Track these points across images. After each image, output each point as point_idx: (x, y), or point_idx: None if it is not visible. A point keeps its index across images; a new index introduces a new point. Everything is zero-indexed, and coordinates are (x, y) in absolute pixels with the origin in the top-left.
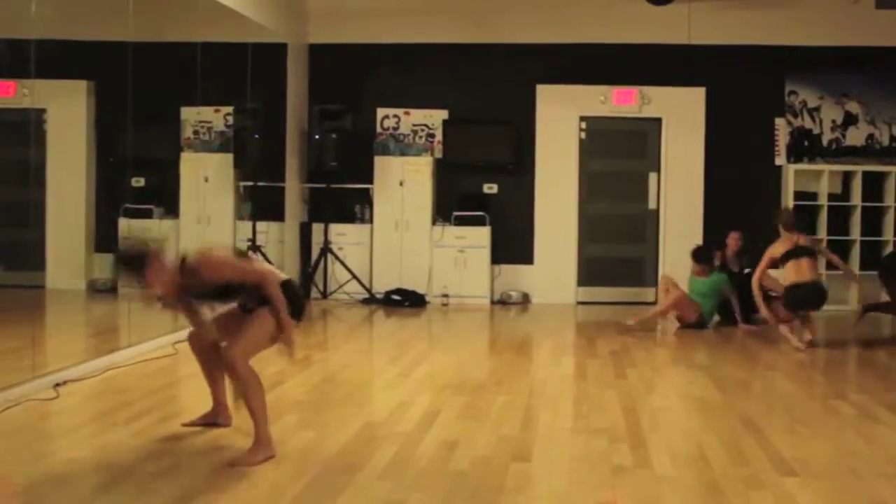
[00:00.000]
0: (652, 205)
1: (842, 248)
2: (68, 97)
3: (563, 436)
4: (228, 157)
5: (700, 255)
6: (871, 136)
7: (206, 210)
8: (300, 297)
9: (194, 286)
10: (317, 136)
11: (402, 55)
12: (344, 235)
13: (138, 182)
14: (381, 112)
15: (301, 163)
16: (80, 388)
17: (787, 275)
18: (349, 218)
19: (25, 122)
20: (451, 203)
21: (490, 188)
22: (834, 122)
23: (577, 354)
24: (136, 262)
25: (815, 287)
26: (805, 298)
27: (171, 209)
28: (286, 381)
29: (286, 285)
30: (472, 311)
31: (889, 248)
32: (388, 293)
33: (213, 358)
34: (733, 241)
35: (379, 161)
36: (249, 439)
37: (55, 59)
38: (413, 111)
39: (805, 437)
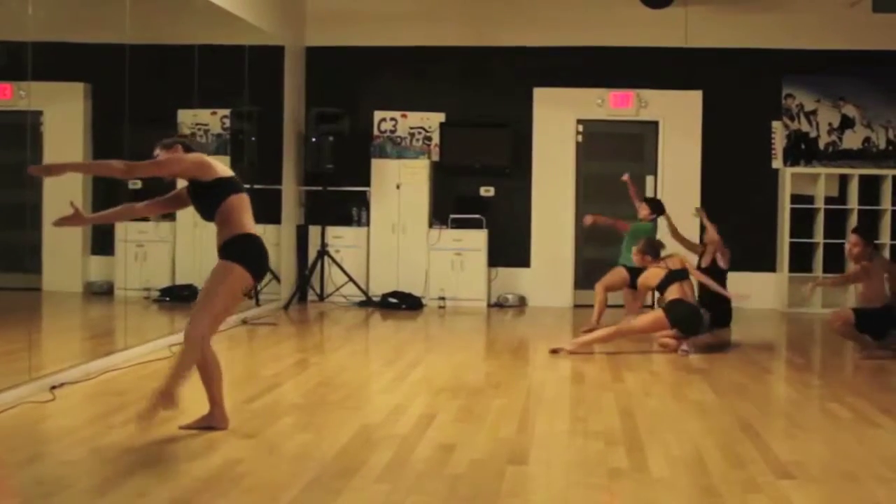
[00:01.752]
0: None
1: (838, 252)
2: (65, 99)
3: (559, 439)
4: (225, 160)
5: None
6: (867, 140)
7: None
8: (262, 254)
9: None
10: (314, 139)
11: (400, 58)
12: (341, 238)
13: (135, 185)
14: (378, 115)
15: (298, 165)
16: (76, 391)
17: (671, 296)
18: (346, 221)
19: (22, 124)
20: (448, 206)
21: (487, 191)
22: (830, 125)
23: (574, 357)
24: (169, 143)
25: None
26: (686, 318)
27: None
28: (283, 383)
29: (249, 238)
30: (468, 314)
31: (886, 252)
32: (385, 296)
33: (210, 359)
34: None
35: (376, 164)
36: (246, 441)
37: (52, 62)
38: (410, 114)
39: (802, 441)
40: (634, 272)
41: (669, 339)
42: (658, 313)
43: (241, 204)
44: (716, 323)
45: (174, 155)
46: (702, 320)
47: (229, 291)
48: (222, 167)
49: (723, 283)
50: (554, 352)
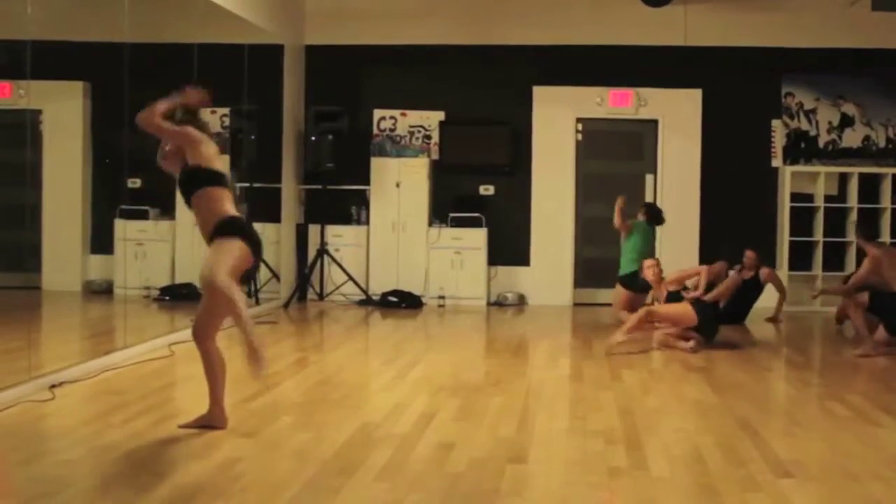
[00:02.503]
0: None
1: (837, 250)
2: (64, 98)
3: (559, 437)
4: (225, 159)
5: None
6: (867, 138)
7: None
8: (254, 231)
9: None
10: (313, 138)
11: (399, 57)
12: (340, 237)
13: (134, 183)
14: (377, 113)
15: (297, 164)
16: (76, 390)
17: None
18: (346, 219)
19: (21, 123)
20: (448, 204)
21: (486, 190)
22: (830, 123)
23: (574, 356)
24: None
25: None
26: (710, 322)
27: (167, 211)
28: (283, 382)
29: (238, 219)
30: (468, 313)
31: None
32: (385, 295)
33: (215, 357)
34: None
35: (375, 162)
36: (246, 441)
37: (51, 60)
38: (410, 112)
39: (801, 439)
40: (630, 280)
41: (670, 337)
42: (687, 307)
43: (222, 195)
44: (732, 320)
45: (182, 127)
46: (718, 327)
47: (226, 252)
48: (214, 159)
49: (757, 295)
50: (615, 346)
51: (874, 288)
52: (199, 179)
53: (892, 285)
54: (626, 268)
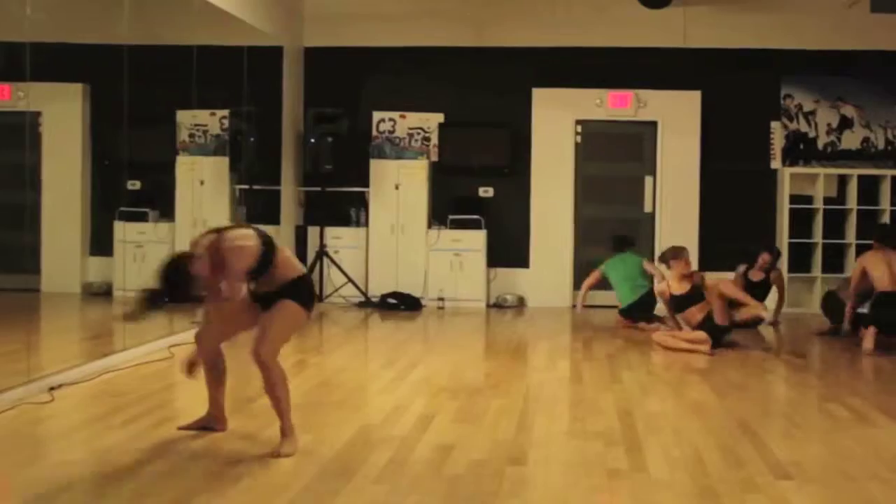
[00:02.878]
0: (647, 208)
1: (837, 252)
2: (63, 100)
3: (558, 439)
4: (224, 161)
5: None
6: (866, 140)
7: (201, 213)
8: (313, 293)
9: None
10: (312, 140)
11: (398, 59)
12: (340, 239)
13: (134, 185)
14: (376, 115)
15: (297, 166)
16: (75, 392)
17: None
18: (345, 221)
19: (20, 125)
20: (447, 206)
21: (486, 192)
22: (829, 125)
23: (573, 358)
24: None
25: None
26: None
27: (167, 213)
28: None
29: (302, 280)
30: (467, 315)
31: None
32: (384, 296)
33: (218, 360)
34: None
35: (374, 164)
36: (245, 442)
37: (50, 62)
38: (409, 114)
39: (800, 441)
40: (630, 312)
41: (673, 339)
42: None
43: (282, 255)
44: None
45: (232, 259)
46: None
47: (291, 325)
48: (252, 239)
49: (765, 296)
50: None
51: (867, 294)
52: (266, 262)
53: (876, 284)
54: (626, 300)
